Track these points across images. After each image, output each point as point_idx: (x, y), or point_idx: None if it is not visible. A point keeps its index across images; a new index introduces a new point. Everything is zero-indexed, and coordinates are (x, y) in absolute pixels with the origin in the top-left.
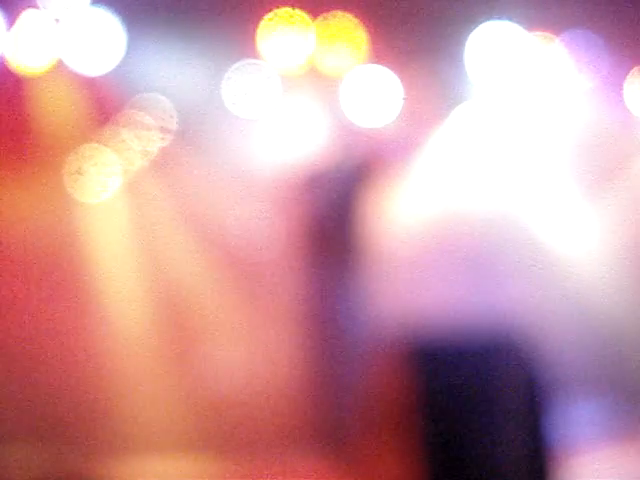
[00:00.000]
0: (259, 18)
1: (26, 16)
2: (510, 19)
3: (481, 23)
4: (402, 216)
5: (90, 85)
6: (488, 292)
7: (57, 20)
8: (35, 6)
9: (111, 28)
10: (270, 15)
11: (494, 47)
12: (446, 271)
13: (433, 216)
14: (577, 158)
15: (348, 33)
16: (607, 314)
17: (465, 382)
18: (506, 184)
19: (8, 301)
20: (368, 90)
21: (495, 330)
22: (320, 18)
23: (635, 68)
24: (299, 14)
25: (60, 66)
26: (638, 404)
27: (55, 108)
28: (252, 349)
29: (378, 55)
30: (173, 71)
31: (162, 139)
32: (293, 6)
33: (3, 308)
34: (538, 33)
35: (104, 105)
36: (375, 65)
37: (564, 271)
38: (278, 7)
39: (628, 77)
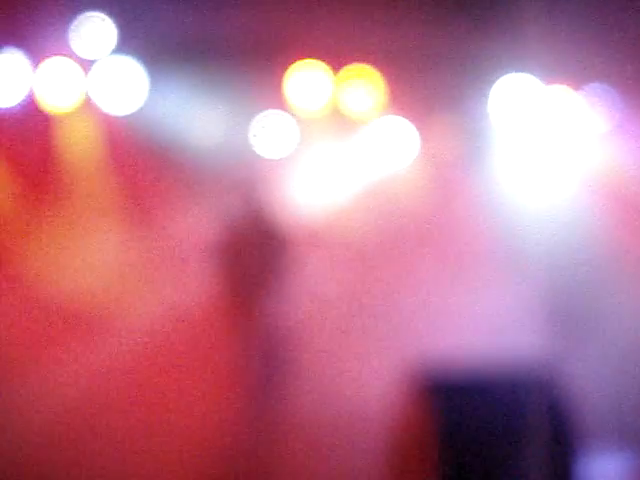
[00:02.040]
0: (283, 66)
1: (54, 60)
2: (530, 72)
3: (501, 76)
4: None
5: (114, 125)
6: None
7: (83, 64)
8: (63, 51)
9: (134, 73)
10: (294, 65)
11: (515, 99)
12: (470, 308)
13: (454, 254)
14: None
15: (368, 84)
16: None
17: (485, 420)
18: (528, 227)
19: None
20: (386, 139)
21: (522, 368)
22: (342, 69)
23: None
24: (321, 65)
25: (85, 106)
26: None
27: (79, 145)
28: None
29: (398, 105)
30: (196, 113)
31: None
32: (316, 57)
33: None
34: (557, 86)
35: (126, 144)
36: (394, 115)
37: (599, 318)
38: (302, 58)
39: None
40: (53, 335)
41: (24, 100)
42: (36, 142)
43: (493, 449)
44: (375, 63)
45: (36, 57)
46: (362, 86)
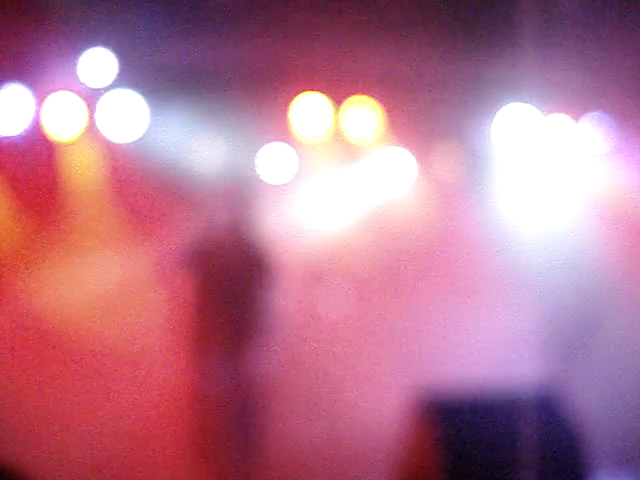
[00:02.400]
0: (284, 96)
1: (58, 92)
2: (529, 102)
3: (501, 105)
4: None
5: (115, 152)
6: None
7: (85, 95)
8: (67, 84)
9: (135, 103)
10: (295, 96)
11: (514, 127)
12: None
13: (456, 279)
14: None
15: (368, 114)
16: None
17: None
18: (529, 250)
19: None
20: (386, 167)
21: (525, 391)
22: (342, 100)
23: None
24: (322, 96)
25: (88, 135)
26: None
27: (83, 172)
28: None
29: (398, 135)
30: (197, 141)
31: None
32: (317, 88)
33: None
34: (556, 114)
35: (128, 171)
36: (395, 144)
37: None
38: (303, 89)
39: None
40: (50, 355)
41: (29, 129)
42: (40, 169)
43: (497, 472)
44: (375, 94)
45: (40, 89)
46: (363, 116)
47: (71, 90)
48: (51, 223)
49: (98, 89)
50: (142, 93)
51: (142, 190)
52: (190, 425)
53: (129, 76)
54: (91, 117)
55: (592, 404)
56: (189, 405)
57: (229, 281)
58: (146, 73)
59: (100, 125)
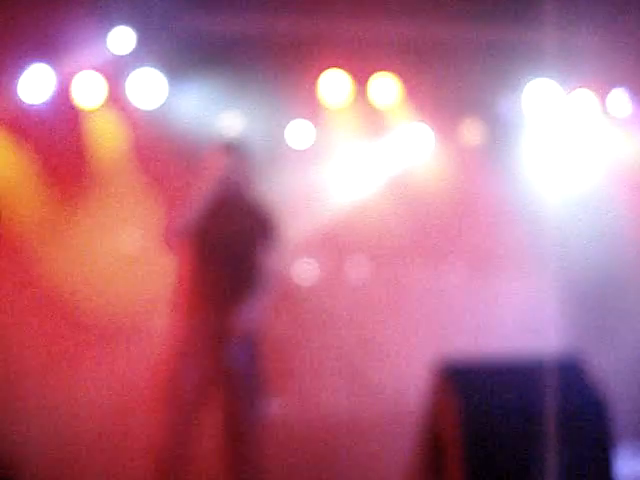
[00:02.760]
0: (308, 70)
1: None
2: (554, 77)
3: (525, 81)
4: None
5: (138, 120)
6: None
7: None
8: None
9: (155, 75)
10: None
11: (538, 102)
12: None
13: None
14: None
15: (391, 87)
16: None
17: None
18: (553, 220)
19: None
20: (406, 139)
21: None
22: (365, 75)
23: None
24: (346, 74)
25: (110, 103)
26: None
27: (106, 138)
28: None
29: (420, 109)
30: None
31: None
32: (341, 64)
33: None
34: (579, 90)
35: (150, 138)
36: (416, 117)
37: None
38: (327, 64)
39: None
40: (77, 337)
41: (54, 97)
42: (66, 136)
43: (519, 442)
44: (396, 67)
45: (65, 66)
46: (385, 88)
47: (95, 65)
48: (76, 189)
49: (120, 63)
50: (162, 65)
51: (164, 157)
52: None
53: (150, 49)
54: (114, 88)
55: (615, 375)
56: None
57: (231, 245)
58: (167, 46)
59: (123, 94)
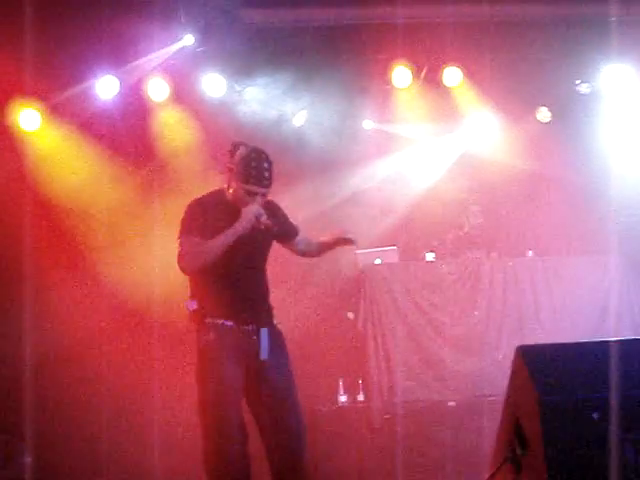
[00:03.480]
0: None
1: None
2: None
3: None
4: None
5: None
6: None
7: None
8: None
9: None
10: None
11: (613, 86)
12: None
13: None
14: None
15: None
16: None
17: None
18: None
19: None
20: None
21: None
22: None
23: None
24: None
25: (174, 98)
26: None
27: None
28: None
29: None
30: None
31: None
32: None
33: None
34: None
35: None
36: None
37: None
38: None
39: None
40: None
41: (123, 93)
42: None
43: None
44: (463, 53)
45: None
46: (451, 74)
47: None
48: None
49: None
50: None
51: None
52: None
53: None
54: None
55: None
56: None
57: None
58: (230, 44)
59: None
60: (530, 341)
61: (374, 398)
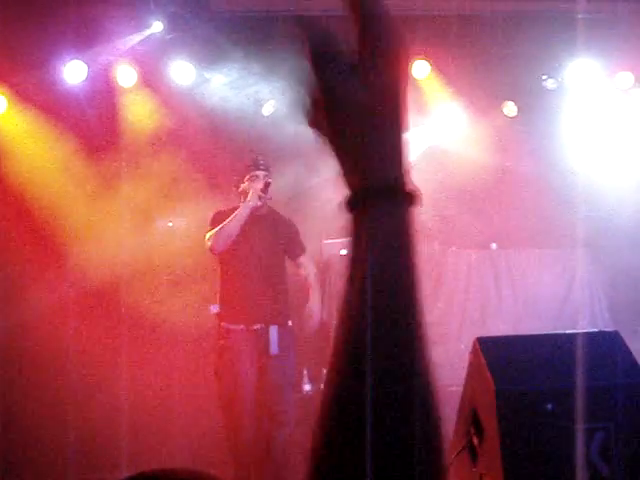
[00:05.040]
0: None
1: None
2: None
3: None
4: None
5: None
6: None
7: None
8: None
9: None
10: None
11: (579, 82)
12: None
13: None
14: None
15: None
16: None
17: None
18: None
19: None
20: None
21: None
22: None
23: None
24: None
25: (142, 84)
26: None
27: (139, 115)
28: None
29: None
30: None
31: None
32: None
33: None
34: (620, 73)
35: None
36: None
37: None
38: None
39: None
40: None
41: (92, 77)
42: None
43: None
44: (431, 47)
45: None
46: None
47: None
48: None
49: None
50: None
51: (197, 133)
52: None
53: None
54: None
55: None
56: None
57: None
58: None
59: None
60: (492, 332)
61: None
